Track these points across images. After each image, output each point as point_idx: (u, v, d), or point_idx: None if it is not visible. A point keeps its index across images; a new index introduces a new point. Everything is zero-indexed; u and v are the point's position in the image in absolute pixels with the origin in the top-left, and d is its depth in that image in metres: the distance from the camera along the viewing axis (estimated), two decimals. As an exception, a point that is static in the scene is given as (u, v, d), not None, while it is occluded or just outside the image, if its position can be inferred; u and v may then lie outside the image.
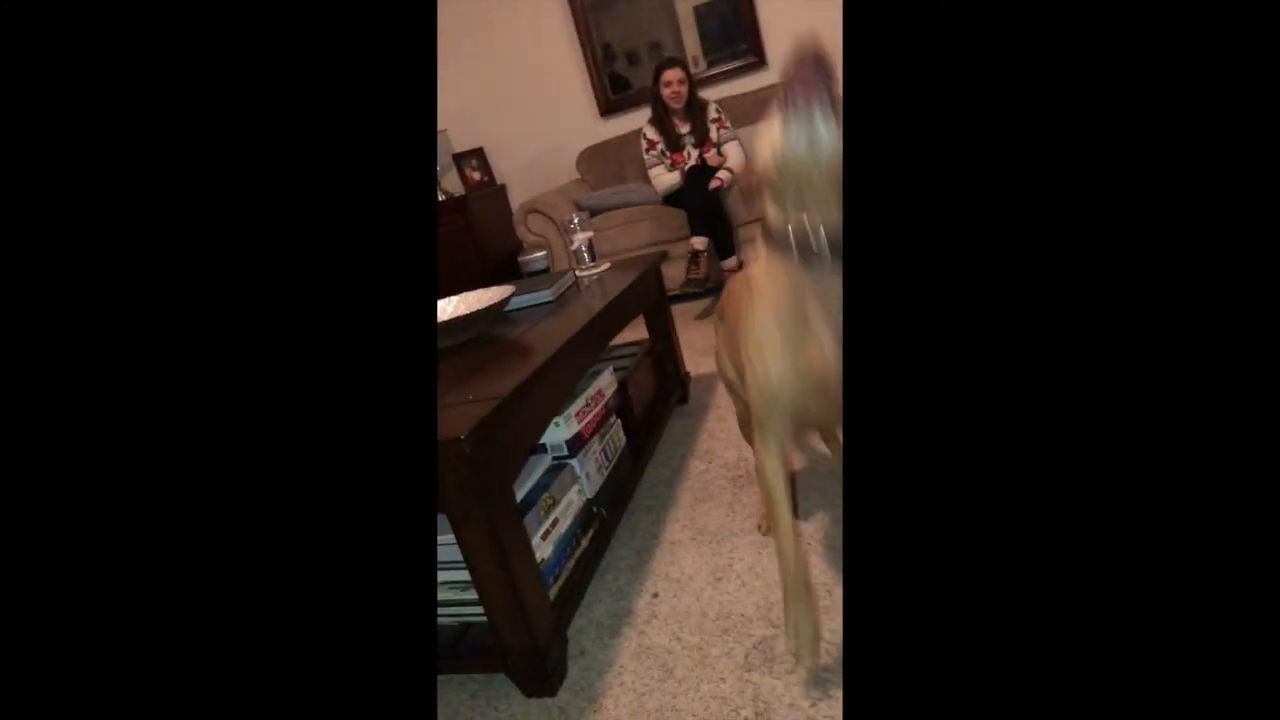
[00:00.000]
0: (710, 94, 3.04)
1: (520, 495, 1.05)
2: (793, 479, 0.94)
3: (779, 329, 0.79)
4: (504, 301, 1.27)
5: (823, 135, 0.68)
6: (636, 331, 1.78)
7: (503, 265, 3.35)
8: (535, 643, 0.89)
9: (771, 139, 0.71)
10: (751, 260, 0.84)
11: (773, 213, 0.77)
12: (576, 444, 1.23)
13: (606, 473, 1.33)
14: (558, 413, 1.19)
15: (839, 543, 1.07)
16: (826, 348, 0.76)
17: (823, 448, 1.33)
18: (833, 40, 0.56)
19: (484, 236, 3.27)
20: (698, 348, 2.19)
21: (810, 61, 0.67)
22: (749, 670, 0.87)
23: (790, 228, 0.73)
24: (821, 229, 0.72)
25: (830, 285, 0.74)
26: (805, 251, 0.73)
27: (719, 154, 2.77)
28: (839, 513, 1.15)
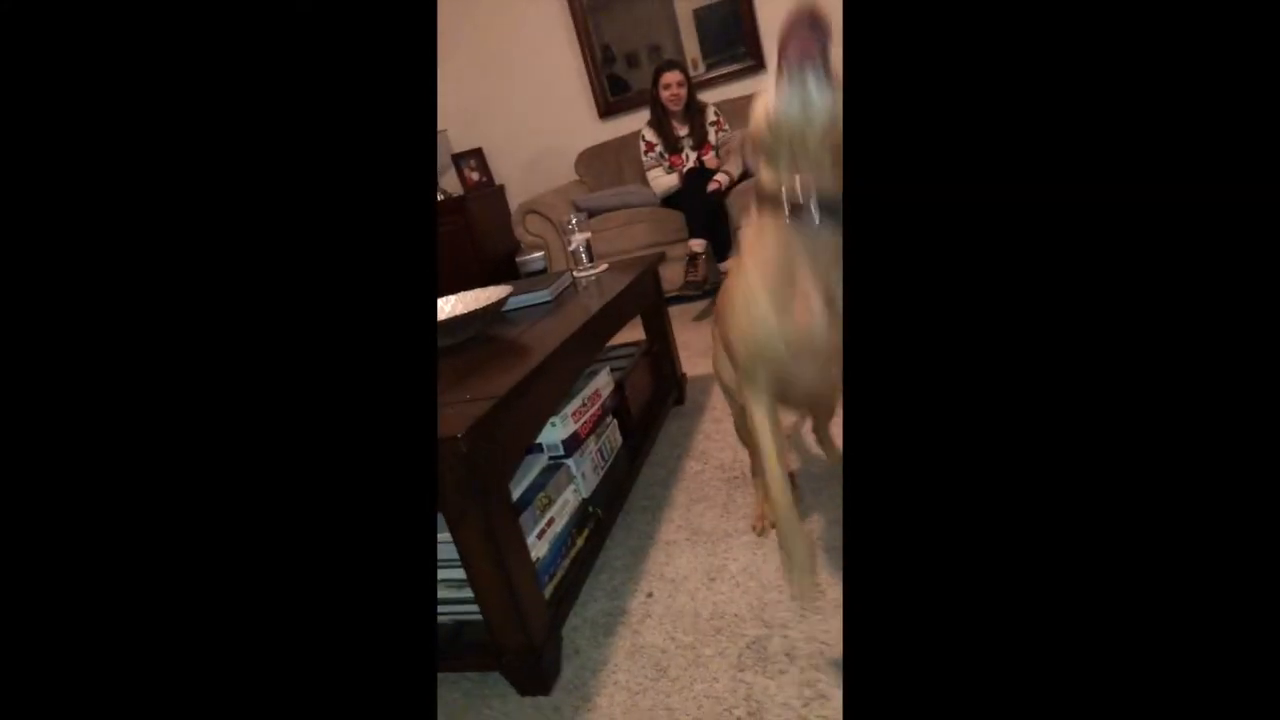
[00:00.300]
0: (709, 97, 3.05)
1: (516, 494, 1.05)
2: (791, 477, 0.95)
3: (766, 287, 0.80)
4: (501, 301, 1.28)
5: (815, 98, 0.68)
6: (634, 332, 1.78)
7: (501, 265, 3.35)
8: (530, 642, 0.89)
9: (765, 101, 0.72)
10: (745, 224, 0.85)
11: (765, 174, 0.78)
12: (573, 444, 1.23)
13: (602, 473, 1.33)
14: (554, 412, 1.19)
15: (836, 543, 1.07)
16: (814, 306, 0.77)
17: (817, 449, 1.34)
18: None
19: (482, 237, 3.28)
20: (694, 349, 2.19)
21: (805, 22, 0.67)
22: (742, 670, 0.88)
23: (783, 189, 0.74)
24: (813, 190, 0.73)
25: (820, 246, 0.75)
26: (796, 212, 0.74)
27: (717, 156, 2.78)
28: (836, 514, 1.16)
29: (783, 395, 0.92)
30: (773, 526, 1.15)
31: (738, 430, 1.21)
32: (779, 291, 0.79)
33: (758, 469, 1.22)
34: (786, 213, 0.75)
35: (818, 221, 0.74)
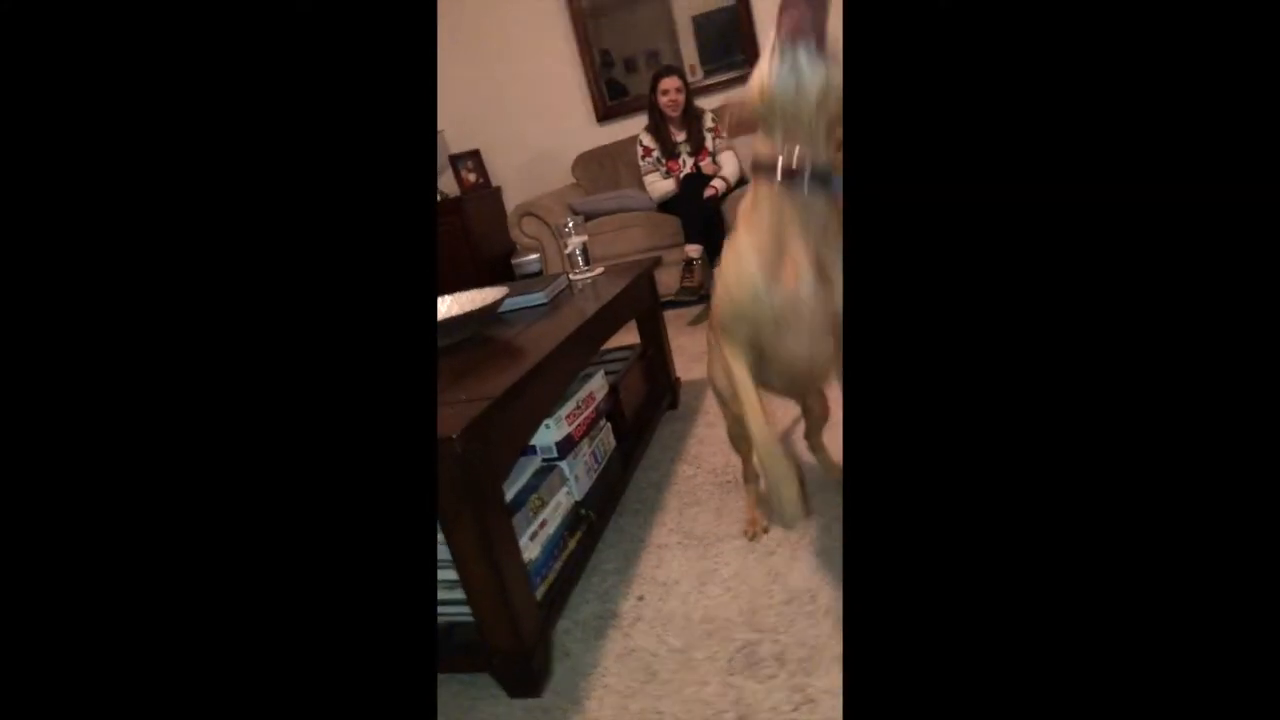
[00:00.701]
0: (707, 103, 3.06)
1: (509, 496, 1.05)
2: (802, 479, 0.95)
3: (756, 249, 0.83)
4: (498, 303, 1.28)
5: (806, 72, 0.73)
6: (629, 336, 1.79)
7: (497, 267, 3.35)
8: (521, 644, 0.89)
9: (761, 75, 0.77)
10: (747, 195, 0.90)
11: (761, 143, 0.82)
12: (566, 446, 1.23)
13: (595, 475, 1.33)
14: (549, 414, 1.20)
15: (826, 547, 1.08)
16: (803, 273, 0.80)
17: (809, 455, 1.34)
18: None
19: (479, 238, 3.28)
20: (689, 354, 2.20)
21: (800, 1, 0.71)
22: (732, 674, 0.88)
23: (779, 158, 0.79)
24: (806, 159, 0.77)
25: (811, 214, 0.79)
26: (788, 179, 0.78)
27: (714, 163, 2.79)
28: (825, 520, 1.16)
29: (767, 374, 0.95)
30: (765, 531, 1.16)
31: (730, 436, 1.22)
32: (769, 256, 0.82)
33: (749, 475, 1.22)
34: (778, 179, 0.79)
35: (807, 189, 0.78)
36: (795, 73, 0.73)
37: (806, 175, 0.78)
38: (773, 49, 0.75)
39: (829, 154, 0.78)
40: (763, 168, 0.81)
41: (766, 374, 0.95)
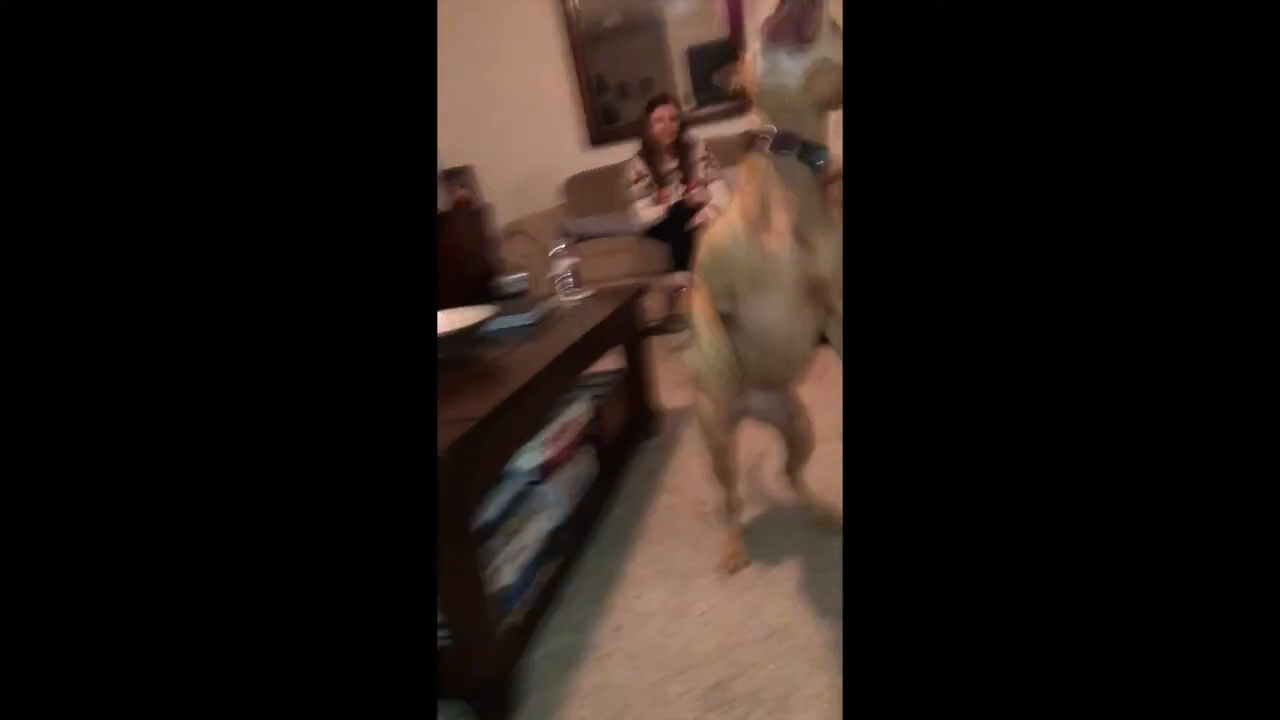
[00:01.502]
0: (698, 134, 3.10)
1: (487, 519, 1.03)
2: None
3: (742, 212, 0.93)
4: (483, 322, 1.27)
5: (788, 71, 0.85)
6: (612, 360, 1.78)
7: (482, 285, 3.34)
8: (494, 672, 0.87)
9: (748, 68, 0.89)
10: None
11: (756, 118, 0.93)
12: (547, 470, 1.22)
13: (574, 501, 1.32)
14: (530, 438, 1.18)
15: (804, 585, 1.07)
16: (785, 239, 0.90)
17: (787, 492, 1.34)
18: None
19: (465, 255, 3.27)
20: (673, 381, 2.20)
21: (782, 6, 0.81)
22: (707, 710, 0.86)
23: (769, 137, 0.90)
24: (794, 135, 0.88)
25: (796, 184, 0.89)
26: (776, 150, 0.89)
27: (705, 193, 2.82)
28: (807, 558, 1.15)
29: (744, 353, 1.01)
30: (745, 564, 1.15)
31: (714, 469, 1.20)
32: (754, 219, 0.92)
33: (735, 502, 1.21)
34: (767, 149, 0.89)
35: (794, 160, 0.88)
36: (776, 72, 0.84)
37: (795, 150, 0.88)
38: (761, 46, 0.84)
39: (816, 131, 0.89)
40: (754, 140, 0.91)
41: (744, 354, 1.02)
